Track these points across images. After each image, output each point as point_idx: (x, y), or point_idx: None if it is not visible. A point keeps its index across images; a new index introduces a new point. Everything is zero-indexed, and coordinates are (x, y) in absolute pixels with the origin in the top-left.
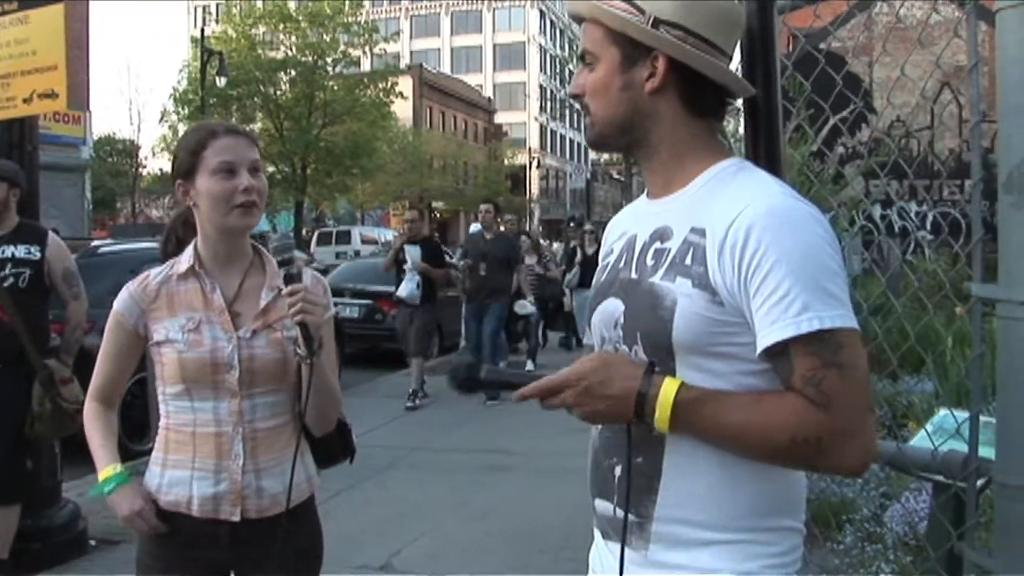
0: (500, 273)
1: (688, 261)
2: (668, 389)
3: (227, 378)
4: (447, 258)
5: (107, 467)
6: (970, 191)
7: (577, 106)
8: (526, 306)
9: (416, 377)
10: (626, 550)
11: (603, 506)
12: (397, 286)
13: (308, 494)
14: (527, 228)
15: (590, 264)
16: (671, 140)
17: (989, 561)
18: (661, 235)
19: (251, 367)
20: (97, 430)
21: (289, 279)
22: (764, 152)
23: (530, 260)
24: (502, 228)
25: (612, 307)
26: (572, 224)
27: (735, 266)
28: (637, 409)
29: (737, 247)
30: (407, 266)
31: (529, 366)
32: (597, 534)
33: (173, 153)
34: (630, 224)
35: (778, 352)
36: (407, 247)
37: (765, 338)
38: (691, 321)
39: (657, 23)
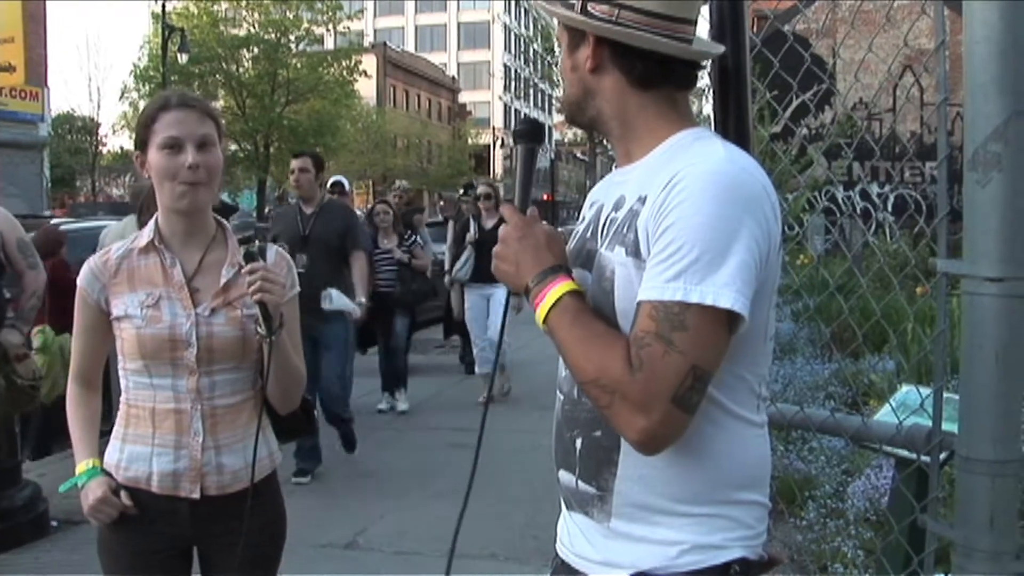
0: (330, 266)
1: (625, 229)
2: (554, 294)
3: (185, 355)
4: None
5: (83, 462)
6: (931, 172)
7: (543, 81)
8: (332, 296)
9: None
10: (589, 522)
11: (566, 477)
12: None
13: (270, 469)
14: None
15: (489, 246)
16: (620, 114)
17: (951, 532)
18: (616, 205)
19: (209, 345)
20: (77, 419)
21: (249, 257)
22: (733, 129)
23: (387, 243)
24: (329, 196)
25: (581, 277)
26: (467, 193)
27: (653, 224)
28: (525, 293)
29: (658, 206)
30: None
31: (401, 405)
32: (562, 504)
33: (136, 123)
34: (601, 194)
35: (637, 305)
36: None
37: (638, 295)
38: (627, 290)
39: (586, 3)
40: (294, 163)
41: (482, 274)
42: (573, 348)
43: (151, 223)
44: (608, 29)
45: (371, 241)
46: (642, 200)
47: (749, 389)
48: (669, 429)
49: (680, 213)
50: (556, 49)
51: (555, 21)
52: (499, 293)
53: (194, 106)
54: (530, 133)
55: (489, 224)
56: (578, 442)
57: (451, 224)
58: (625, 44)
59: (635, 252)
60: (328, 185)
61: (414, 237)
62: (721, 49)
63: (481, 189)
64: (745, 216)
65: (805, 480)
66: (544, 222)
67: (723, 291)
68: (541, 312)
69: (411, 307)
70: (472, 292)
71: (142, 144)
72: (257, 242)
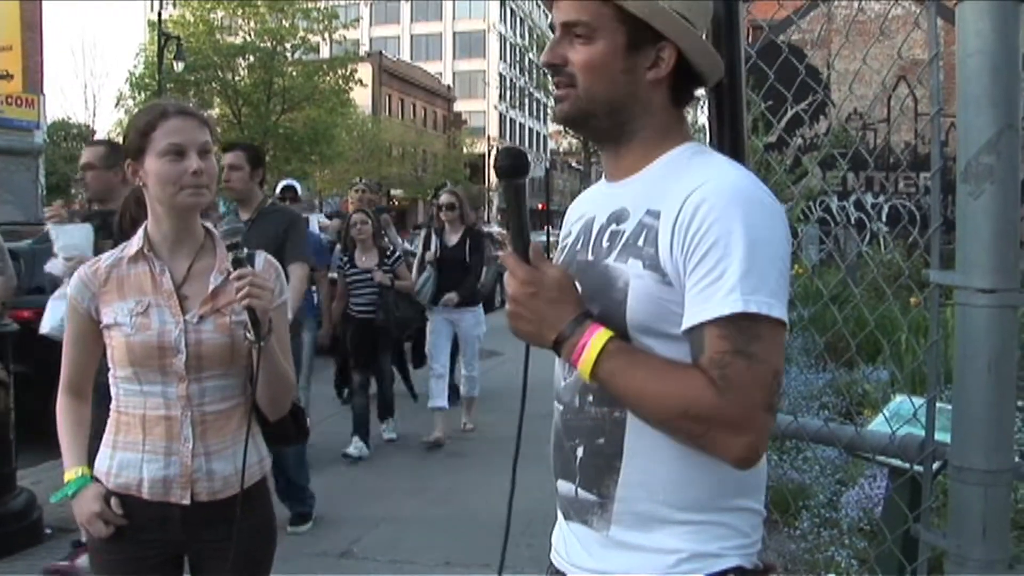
0: None
1: (641, 243)
2: (596, 344)
3: (174, 362)
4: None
5: (71, 470)
6: (925, 183)
7: (539, 90)
8: None
9: None
10: (588, 531)
11: (565, 487)
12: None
13: (260, 475)
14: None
15: (451, 264)
16: (652, 128)
17: (943, 541)
18: (617, 217)
19: (198, 352)
20: (66, 429)
21: (237, 263)
22: (728, 139)
23: (366, 260)
24: (278, 200)
25: None
26: (437, 196)
27: (681, 243)
28: (556, 348)
29: (684, 224)
30: (54, 262)
31: (389, 434)
32: (559, 514)
33: (124, 132)
34: (589, 206)
35: (696, 328)
36: (59, 228)
37: (691, 317)
38: (643, 302)
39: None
40: (224, 158)
41: (446, 291)
42: (644, 389)
43: (140, 231)
44: (705, 51)
45: (347, 258)
46: (654, 215)
47: None
48: (767, 438)
49: (719, 232)
50: None
51: (551, 20)
52: (466, 319)
53: (193, 114)
54: (513, 168)
55: (453, 239)
56: (579, 451)
57: (423, 234)
58: (687, 62)
59: (654, 266)
60: (279, 189)
61: (398, 254)
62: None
63: (443, 198)
64: (774, 229)
65: (799, 490)
66: (548, 258)
67: (774, 302)
68: (586, 366)
69: (396, 338)
70: (436, 315)
71: (137, 152)
72: (245, 248)
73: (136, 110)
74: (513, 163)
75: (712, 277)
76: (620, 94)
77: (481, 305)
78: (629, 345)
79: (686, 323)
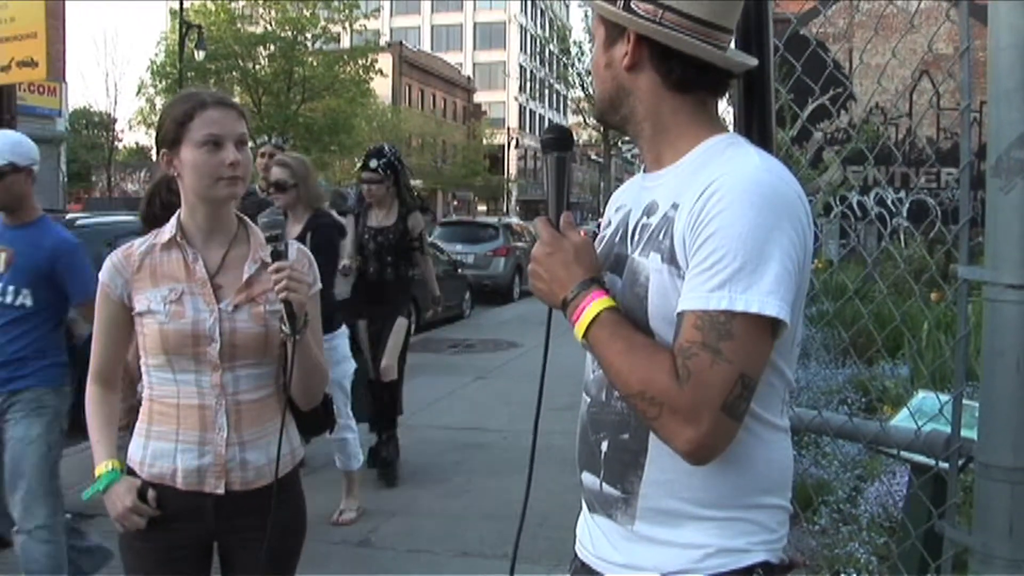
0: None
1: (661, 236)
2: (592, 309)
3: (208, 351)
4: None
5: (101, 464)
6: (947, 179)
7: (559, 82)
8: None
9: None
10: (613, 525)
11: (589, 479)
12: None
13: (292, 466)
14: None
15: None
16: (653, 115)
17: (968, 538)
18: (648, 210)
19: (232, 340)
20: (96, 421)
21: (276, 255)
22: (756, 130)
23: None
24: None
25: (611, 282)
26: (366, 167)
27: (690, 234)
28: (564, 309)
29: (695, 215)
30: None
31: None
32: (584, 506)
33: (159, 121)
34: (628, 198)
35: (680, 314)
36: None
37: (680, 303)
38: (662, 296)
39: (629, 1)
40: None
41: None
42: (616, 362)
43: (173, 219)
44: (651, 28)
45: None
46: (676, 207)
47: (777, 394)
48: (719, 438)
49: (720, 222)
50: (572, 50)
51: (571, 21)
52: (340, 344)
53: (232, 106)
54: (558, 141)
55: (291, 232)
56: (604, 444)
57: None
58: (665, 46)
59: (671, 259)
60: None
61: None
62: (755, 62)
63: (273, 172)
64: (784, 223)
65: (818, 485)
66: (578, 229)
67: (768, 299)
68: (580, 328)
69: None
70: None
71: (173, 142)
72: (284, 240)
73: (158, 98)
74: (558, 137)
75: (704, 267)
76: (609, 88)
77: (341, 332)
78: (622, 318)
79: (678, 307)
